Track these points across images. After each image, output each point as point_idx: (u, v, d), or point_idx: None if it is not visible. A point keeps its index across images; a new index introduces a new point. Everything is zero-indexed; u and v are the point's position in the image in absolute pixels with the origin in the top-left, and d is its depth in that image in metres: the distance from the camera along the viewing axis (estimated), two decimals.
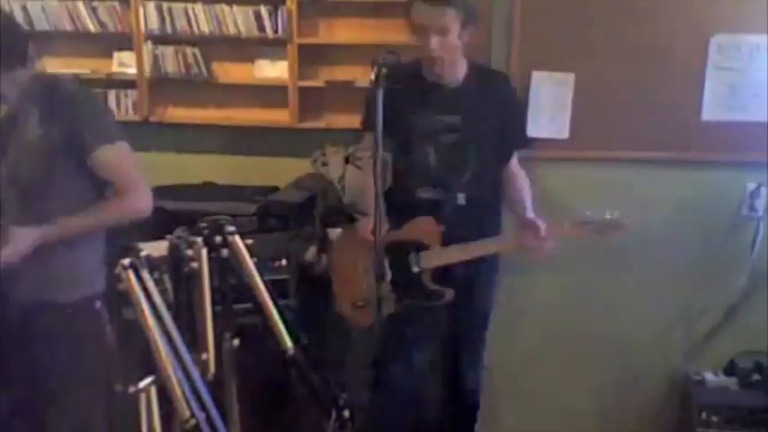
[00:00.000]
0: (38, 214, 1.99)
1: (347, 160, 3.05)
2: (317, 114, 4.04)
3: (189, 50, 4.05)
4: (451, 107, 2.44)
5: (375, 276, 2.36)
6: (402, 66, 2.41)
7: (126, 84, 4.14)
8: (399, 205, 2.46)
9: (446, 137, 2.45)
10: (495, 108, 2.49)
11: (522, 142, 2.65)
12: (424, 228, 2.48)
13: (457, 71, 2.46)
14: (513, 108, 2.61)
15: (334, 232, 2.95)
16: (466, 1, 2.32)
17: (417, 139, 2.46)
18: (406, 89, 2.34)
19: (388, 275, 2.46)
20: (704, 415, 2.77)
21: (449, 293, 2.49)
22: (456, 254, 2.47)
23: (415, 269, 2.49)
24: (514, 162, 2.62)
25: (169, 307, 1.50)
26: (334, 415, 1.79)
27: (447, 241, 2.48)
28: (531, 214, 2.52)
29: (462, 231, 2.48)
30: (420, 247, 2.49)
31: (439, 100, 2.42)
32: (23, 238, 1.94)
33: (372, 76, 2.06)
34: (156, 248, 1.53)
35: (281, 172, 3.69)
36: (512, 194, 2.59)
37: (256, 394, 2.19)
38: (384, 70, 2.04)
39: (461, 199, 2.48)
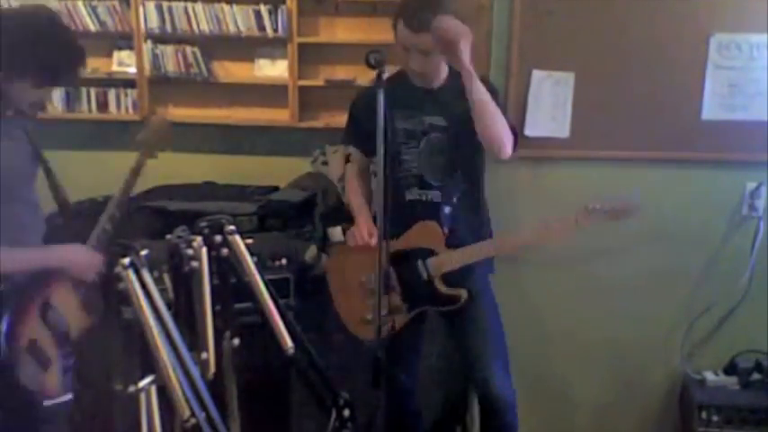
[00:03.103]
0: None
1: (347, 160, 3.05)
2: (316, 114, 4.05)
3: (189, 50, 4.05)
4: (436, 107, 2.45)
5: (380, 290, 2.31)
6: (393, 74, 2.47)
7: (126, 83, 4.14)
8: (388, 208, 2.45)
9: (432, 137, 2.45)
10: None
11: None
12: (427, 233, 2.47)
13: (440, 74, 2.47)
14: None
15: (335, 232, 2.94)
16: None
17: (403, 141, 2.47)
18: (390, 91, 2.34)
19: (397, 288, 2.45)
20: (704, 414, 2.77)
21: (464, 294, 2.47)
22: (465, 256, 2.46)
23: (425, 276, 2.47)
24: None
25: (169, 306, 1.50)
26: (334, 414, 1.79)
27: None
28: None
29: (455, 231, 2.48)
30: (425, 253, 2.47)
31: (423, 101, 2.44)
32: None
33: (375, 77, 2.09)
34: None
35: (281, 171, 3.69)
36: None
37: (256, 394, 2.19)
38: (383, 72, 2.06)
39: (451, 198, 2.48)
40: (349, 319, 2.57)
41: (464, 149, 2.47)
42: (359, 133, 2.57)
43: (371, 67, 2.13)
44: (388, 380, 2.50)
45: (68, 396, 2.16)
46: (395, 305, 2.42)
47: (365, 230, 2.48)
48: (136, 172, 2.38)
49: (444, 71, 2.48)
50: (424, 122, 2.45)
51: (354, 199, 2.63)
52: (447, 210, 2.48)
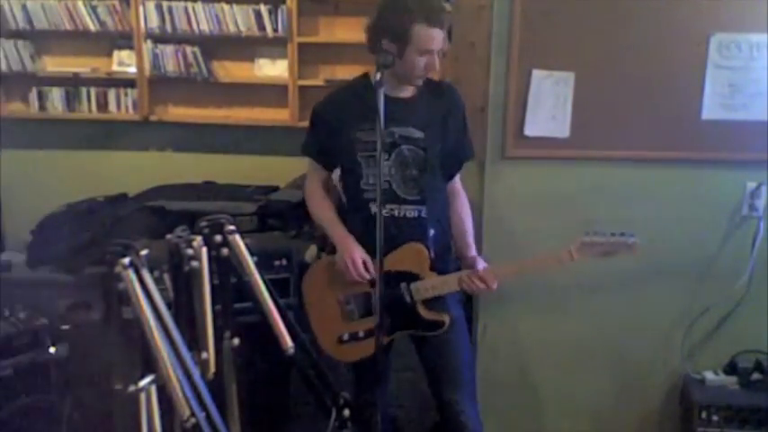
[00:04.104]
0: None
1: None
2: None
3: (189, 49, 4.05)
4: (409, 118, 2.34)
5: (358, 311, 2.33)
6: (354, 81, 2.44)
7: (126, 83, 4.14)
8: (355, 223, 2.38)
9: (404, 149, 2.34)
10: (447, 118, 2.41)
11: (469, 155, 2.54)
12: (414, 256, 2.36)
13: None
14: (464, 119, 2.49)
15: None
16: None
17: (369, 154, 2.33)
18: (358, 102, 2.33)
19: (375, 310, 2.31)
20: (704, 414, 2.77)
21: (446, 319, 2.37)
22: (450, 284, 2.37)
23: (408, 300, 2.36)
24: (458, 179, 2.51)
25: (169, 306, 1.50)
26: (334, 414, 1.79)
27: None
28: (472, 251, 2.42)
29: (438, 254, 2.39)
30: (409, 277, 2.36)
31: (393, 112, 2.25)
32: None
33: (377, 77, 2.06)
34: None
35: (281, 171, 3.69)
36: (453, 219, 2.48)
37: (256, 394, 2.19)
38: (379, 76, 2.05)
39: (422, 213, 2.37)
40: (324, 338, 2.43)
41: (434, 162, 2.38)
42: (321, 143, 2.43)
43: (384, 67, 2.10)
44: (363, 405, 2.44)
45: None
46: (372, 328, 2.29)
47: (359, 260, 2.31)
48: None
49: None
50: (393, 134, 2.31)
51: (327, 219, 2.44)
52: (432, 232, 2.39)
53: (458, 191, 2.52)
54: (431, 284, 2.36)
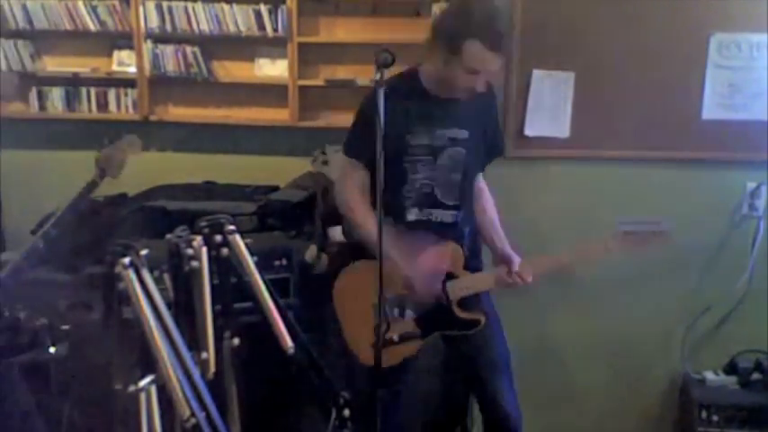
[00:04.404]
0: None
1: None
2: (317, 113, 4.04)
3: (189, 49, 4.05)
4: (456, 120, 2.27)
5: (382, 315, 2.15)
6: (400, 77, 2.29)
7: (126, 83, 4.14)
8: (389, 229, 2.24)
9: (452, 151, 2.29)
10: (486, 117, 2.38)
11: (502, 149, 2.53)
12: (449, 255, 2.32)
13: None
14: (497, 115, 2.47)
15: (335, 231, 2.93)
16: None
17: (416, 157, 2.28)
18: (401, 100, 2.20)
19: (409, 314, 2.34)
20: (704, 414, 2.77)
21: (482, 319, 2.35)
22: (486, 282, 2.36)
23: (443, 300, 2.33)
24: (480, 175, 2.48)
25: (169, 306, 1.50)
26: (334, 414, 1.79)
27: None
28: (505, 246, 2.38)
29: (472, 252, 2.39)
30: (446, 276, 2.33)
31: (442, 113, 2.23)
32: None
33: (377, 77, 1.97)
34: None
35: (281, 171, 3.69)
36: (481, 216, 2.44)
37: (256, 394, 2.19)
38: (384, 75, 1.95)
39: (470, 217, 2.36)
40: (359, 344, 2.37)
41: (477, 165, 2.37)
42: (366, 144, 2.14)
43: (384, 67, 1.98)
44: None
45: None
46: (408, 330, 2.31)
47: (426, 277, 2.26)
48: (90, 189, 2.25)
49: None
50: (443, 136, 2.26)
51: (374, 229, 2.08)
52: (467, 230, 2.36)
53: (482, 187, 2.49)
54: (466, 284, 2.34)
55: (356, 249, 2.36)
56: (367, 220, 2.25)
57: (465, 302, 2.36)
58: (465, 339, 2.40)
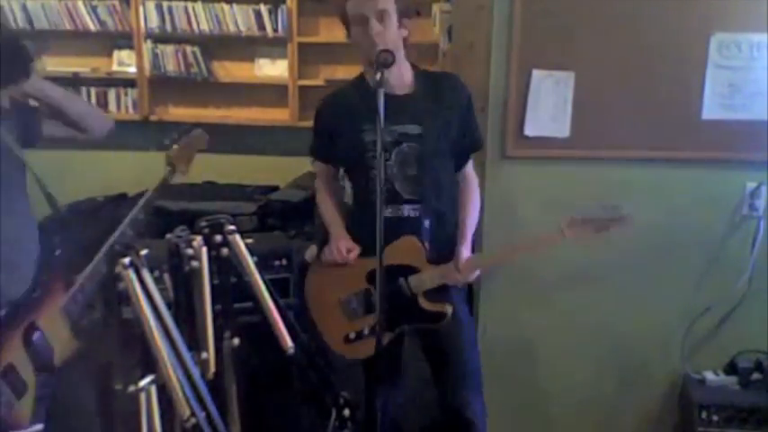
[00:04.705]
0: None
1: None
2: None
3: (189, 49, 4.06)
4: (407, 115, 2.31)
5: (359, 308, 2.35)
6: (350, 82, 2.46)
7: (126, 82, 4.15)
8: (362, 224, 2.35)
9: (404, 147, 2.33)
10: (450, 111, 2.39)
11: (477, 145, 2.53)
12: (408, 249, 2.35)
13: (404, 77, 2.36)
14: (470, 109, 2.47)
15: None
16: None
17: (372, 154, 2.31)
18: (356, 103, 2.34)
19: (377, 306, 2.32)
20: (704, 414, 2.77)
21: (449, 309, 2.37)
22: (438, 276, 2.37)
23: (407, 294, 2.36)
24: (470, 166, 2.51)
25: (169, 306, 1.50)
26: (333, 414, 1.79)
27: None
28: (462, 242, 2.38)
29: (434, 245, 2.38)
30: (407, 270, 2.36)
31: (391, 110, 2.17)
32: None
33: (377, 77, 2.04)
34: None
35: (281, 171, 3.69)
36: (459, 211, 2.47)
37: (256, 394, 2.19)
38: (379, 76, 2.04)
39: (430, 210, 2.37)
40: (332, 338, 2.46)
41: (438, 158, 2.38)
42: (326, 146, 2.47)
43: (384, 67, 2.07)
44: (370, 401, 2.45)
45: (39, 426, 1.95)
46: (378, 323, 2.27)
47: (343, 246, 2.39)
48: (163, 187, 2.28)
49: (409, 74, 2.38)
50: (394, 132, 2.31)
51: (327, 214, 2.52)
52: (427, 223, 2.37)
53: (468, 180, 2.51)
54: (427, 276, 2.36)
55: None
56: (323, 206, 2.53)
57: (432, 295, 2.39)
58: (433, 337, 2.43)
